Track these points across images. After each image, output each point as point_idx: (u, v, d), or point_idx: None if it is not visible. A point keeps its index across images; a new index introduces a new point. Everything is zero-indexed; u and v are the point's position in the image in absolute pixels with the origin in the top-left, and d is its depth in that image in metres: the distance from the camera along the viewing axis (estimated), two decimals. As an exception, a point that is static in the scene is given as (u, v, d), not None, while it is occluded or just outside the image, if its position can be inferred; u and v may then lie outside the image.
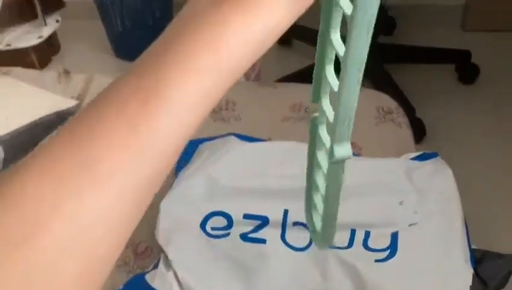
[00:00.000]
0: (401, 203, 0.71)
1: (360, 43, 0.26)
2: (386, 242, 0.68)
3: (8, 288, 0.23)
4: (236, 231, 0.69)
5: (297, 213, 0.71)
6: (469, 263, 0.66)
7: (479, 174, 1.40)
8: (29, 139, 0.84)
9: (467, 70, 1.71)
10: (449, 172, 0.75)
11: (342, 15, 0.28)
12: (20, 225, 0.24)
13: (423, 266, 0.66)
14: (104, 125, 0.25)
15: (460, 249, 0.66)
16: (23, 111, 0.88)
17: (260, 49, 0.27)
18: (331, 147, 0.29)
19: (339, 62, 0.27)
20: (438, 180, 0.74)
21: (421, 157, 0.79)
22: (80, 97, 1.01)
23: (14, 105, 0.91)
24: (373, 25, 0.25)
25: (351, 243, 0.68)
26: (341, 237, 0.68)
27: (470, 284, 0.64)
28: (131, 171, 0.25)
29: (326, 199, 0.34)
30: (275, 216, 0.70)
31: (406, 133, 0.94)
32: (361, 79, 0.27)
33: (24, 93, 0.96)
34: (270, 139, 0.87)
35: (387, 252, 0.67)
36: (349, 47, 0.26)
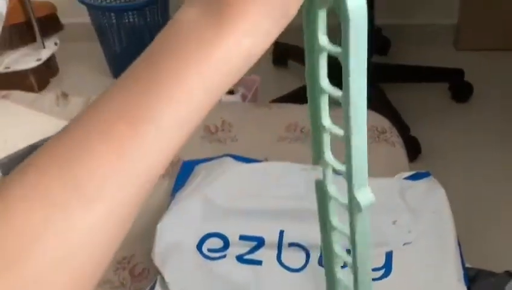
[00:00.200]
0: (394, 222, 0.72)
1: (357, 85, 0.25)
2: (381, 261, 0.69)
3: None
4: (232, 252, 0.70)
5: (293, 234, 0.71)
6: (462, 281, 0.66)
7: (473, 192, 1.41)
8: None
9: (460, 89, 1.73)
10: (442, 191, 0.76)
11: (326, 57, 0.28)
12: (12, 243, 0.24)
13: (417, 285, 0.66)
14: (92, 147, 0.26)
15: (453, 267, 0.67)
16: (21, 134, 0.90)
17: (245, 66, 0.27)
18: (353, 198, 0.28)
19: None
20: (430, 199, 0.75)
21: (414, 177, 0.80)
22: (77, 120, 1.02)
23: (12, 128, 0.93)
24: (365, 67, 0.25)
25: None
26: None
27: (464, 302, 0.65)
28: (119, 192, 0.26)
29: (355, 257, 0.32)
30: (271, 237, 0.71)
31: (400, 152, 0.95)
32: (366, 118, 0.26)
33: (23, 117, 0.97)
34: (266, 160, 0.88)
35: (382, 271, 0.68)
36: (349, 95, 0.25)
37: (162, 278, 0.68)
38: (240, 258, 0.70)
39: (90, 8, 1.83)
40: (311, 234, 0.63)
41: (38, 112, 0.99)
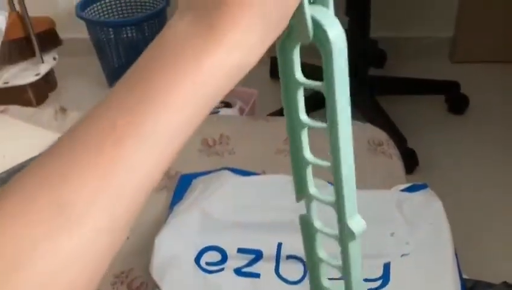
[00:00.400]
0: (392, 234, 0.72)
1: (345, 115, 0.24)
2: (379, 272, 0.69)
3: None
4: (230, 265, 0.70)
5: (291, 246, 0.71)
6: (460, 292, 0.66)
7: (470, 204, 1.42)
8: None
9: (456, 101, 1.74)
10: (439, 203, 0.76)
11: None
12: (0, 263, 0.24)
13: (415, 297, 0.67)
14: (79, 166, 0.25)
15: (451, 279, 0.67)
16: (20, 149, 0.90)
17: (240, 72, 0.27)
18: (346, 228, 0.28)
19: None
20: (427, 211, 0.75)
21: (411, 189, 0.80)
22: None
23: (11, 143, 0.93)
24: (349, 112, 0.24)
25: (344, 275, 0.69)
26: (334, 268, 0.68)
27: (462, 314, 0.65)
28: (106, 212, 0.25)
29: (350, 283, 0.32)
30: (269, 250, 0.71)
31: (397, 164, 0.95)
32: (352, 145, 0.25)
33: (21, 132, 0.98)
34: (264, 172, 0.88)
35: (380, 281, 0.68)
36: (337, 127, 0.24)
37: (160, 292, 0.68)
38: (238, 271, 0.70)
39: (89, 23, 1.85)
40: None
41: (36, 127, 1.00)
